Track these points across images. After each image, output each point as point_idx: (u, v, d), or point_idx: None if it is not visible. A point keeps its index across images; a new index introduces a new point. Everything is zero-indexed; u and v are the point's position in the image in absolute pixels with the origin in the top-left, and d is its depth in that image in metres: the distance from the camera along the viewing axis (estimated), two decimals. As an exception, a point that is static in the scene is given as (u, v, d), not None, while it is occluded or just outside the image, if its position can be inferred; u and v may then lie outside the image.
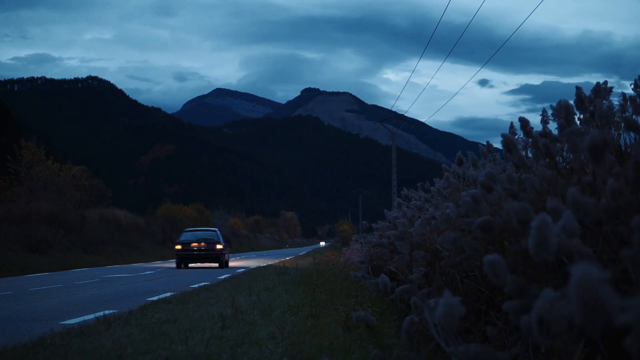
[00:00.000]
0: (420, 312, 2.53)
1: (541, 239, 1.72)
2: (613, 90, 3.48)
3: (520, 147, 3.37)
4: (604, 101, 3.39)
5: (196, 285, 11.31)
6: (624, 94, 3.38)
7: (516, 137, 3.70)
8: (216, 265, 21.53)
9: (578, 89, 3.41)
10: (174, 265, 21.35)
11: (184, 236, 22.17)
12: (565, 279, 1.99)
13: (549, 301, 1.45)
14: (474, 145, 6.46)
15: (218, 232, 23.19)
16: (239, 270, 17.27)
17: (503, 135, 3.13)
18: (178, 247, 21.30)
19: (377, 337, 3.41)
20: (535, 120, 3.62)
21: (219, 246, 21.24)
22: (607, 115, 2.91)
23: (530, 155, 3.21)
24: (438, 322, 1.80)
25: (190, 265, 22.07)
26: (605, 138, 2.10)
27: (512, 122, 3.90)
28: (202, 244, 21.33)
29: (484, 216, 2.58)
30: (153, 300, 8.44)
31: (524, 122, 3.27)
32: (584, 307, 1.26)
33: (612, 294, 1.25)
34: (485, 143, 5.10)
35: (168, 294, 9.46)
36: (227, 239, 28.90)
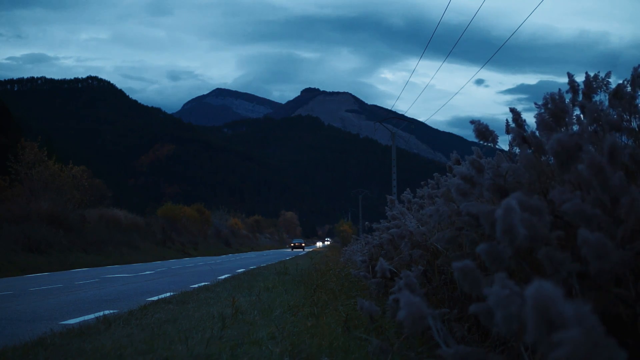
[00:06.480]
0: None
1: (506, 227, 1.56)
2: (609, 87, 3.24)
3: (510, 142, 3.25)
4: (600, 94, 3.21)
5: (196, 285, 11.30)
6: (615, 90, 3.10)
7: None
8: (302, 250, 62.81)
9: (570, 76, 3.13)
10: (173, 265, 23.75)
11: (293, 240, 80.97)
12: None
13: (499, 298, 1.37)
14: (473, 145, 6.45)
15: (302, 240, 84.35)
16: (239, 271, 17.29)
17: (474, 125, 2.90)
18: (292, 244, 76.37)
19: (375, 323, 3.41)
20: (532, 120, 3.54)
21: (303, 244, 76.23)
22: (597, 112, 2.56)
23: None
24: (404, 325, 1.62)
25: (294, 249, 67.55)
26: (578, 142, 1.78)
27: (507, 119, 3.73)
28: (298, 243, 76.25)
29: (470, 203, 2.49)
30: (153, 300, 8.43)
31: (515, 113, 3.08)
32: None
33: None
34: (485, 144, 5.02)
35: (168, 294, 9.46)
36: (304, 242, 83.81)
